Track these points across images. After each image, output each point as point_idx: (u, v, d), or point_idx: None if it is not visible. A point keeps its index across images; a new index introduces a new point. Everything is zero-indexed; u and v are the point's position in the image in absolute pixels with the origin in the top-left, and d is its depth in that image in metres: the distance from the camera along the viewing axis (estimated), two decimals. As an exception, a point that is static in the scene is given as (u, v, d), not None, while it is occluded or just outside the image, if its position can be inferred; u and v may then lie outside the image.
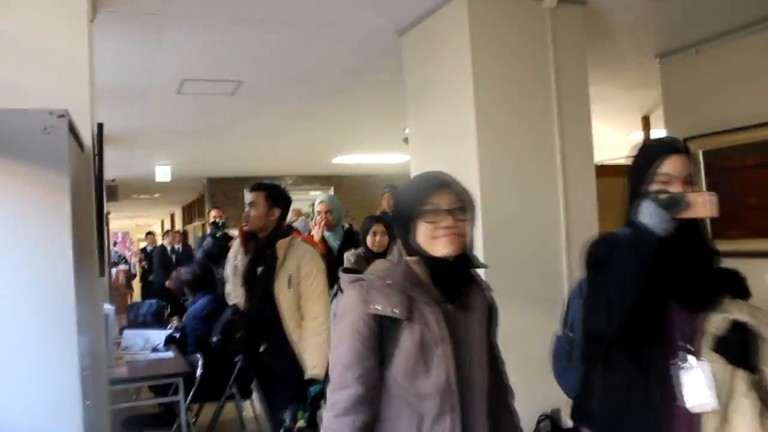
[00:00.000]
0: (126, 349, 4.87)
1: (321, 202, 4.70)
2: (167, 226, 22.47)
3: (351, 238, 4.63)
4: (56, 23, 2.81)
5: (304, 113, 6.93)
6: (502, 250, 3.55)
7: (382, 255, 3.42)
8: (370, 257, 3.95)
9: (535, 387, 3.72)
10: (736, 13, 4.31)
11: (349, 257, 4.10)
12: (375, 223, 4.16)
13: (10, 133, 2.12)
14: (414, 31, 4.13)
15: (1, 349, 2.07)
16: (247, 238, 3.46)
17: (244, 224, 3.43)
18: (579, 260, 3.78)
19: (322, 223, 4.60)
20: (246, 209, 3.40)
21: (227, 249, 4.28)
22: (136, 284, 13.11)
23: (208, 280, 5.17)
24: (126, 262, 12.22)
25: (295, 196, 6.33)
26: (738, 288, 1.80)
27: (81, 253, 2.41)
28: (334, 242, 4.63)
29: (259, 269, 3.33)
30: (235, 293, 3.52)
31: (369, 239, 4.11)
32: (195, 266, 5.29)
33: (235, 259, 3.52)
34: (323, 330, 3.20)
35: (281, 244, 3.31)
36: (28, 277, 2.11)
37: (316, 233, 4.57)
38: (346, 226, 4.82)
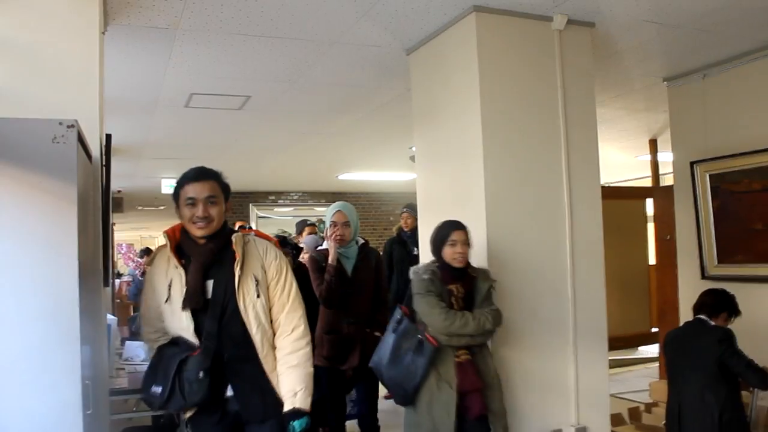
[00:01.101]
0: (127, 360, 4.85)
1: (337, 211, 3.89)
2: (171, 239, 22.45)
3: (368, 257, 3.99)
4: (68, 35, 2.83)
5: (311, 129, 6.96)
6: (507, 270, 3.54)
7: (463, 272, 3.23)
8: (448, 276, 3.21)
9: (539, 407, 3.71)
10: (742, 39, 4.33)
11: (421, 275, 3.19)
12: (456, 230, 3.24)
13: (20, 141, 2.13)
14: (422, 50, 4.16)
15: (4, 357, 2.07)
16: (177, 246, 2.57)
17: (198, 226, 2.50)
18: (584, 280, 3.79)
19: (338, 237, 3.83)
20: (195, 208, 2.50)
21: None
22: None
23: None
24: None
25: (300, 212, 6.39)
26: None
27: (86, 263, 2.41)
28: (348, 261, 3.90)
29: (210, 282, 2.50)
30: (173, 326, 2.52)
31: (448, 251, 3.22)
32: None
33: (166, 279, 2.53)
34: (305, 344, 2.58)
35: (237, 240, 2.55)
36: (33, 285, 2.11)
37: (331, 249, 3.80)
38: (361, 241, 4.02)
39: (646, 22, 3.93)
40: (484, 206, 3.54)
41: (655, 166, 7.34)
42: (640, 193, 7.97)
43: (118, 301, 10.39)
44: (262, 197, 13.25)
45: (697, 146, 4.94)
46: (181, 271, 2.50)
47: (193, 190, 2.51)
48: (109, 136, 3.16)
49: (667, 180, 6.70)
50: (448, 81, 3.90)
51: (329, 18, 3.75)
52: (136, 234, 23.91)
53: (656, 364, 6.28)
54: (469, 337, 3.11)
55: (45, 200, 2.14)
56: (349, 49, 4.27)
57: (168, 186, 10.10)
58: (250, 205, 13.18)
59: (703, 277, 4.84)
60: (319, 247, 4.10)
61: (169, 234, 2.61)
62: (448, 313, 3.09)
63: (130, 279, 12.13)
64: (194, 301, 2.46)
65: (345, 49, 4.28)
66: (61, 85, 2.78)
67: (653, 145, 7.45)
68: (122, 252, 13.56)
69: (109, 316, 3.78)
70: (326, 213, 3.94)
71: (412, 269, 3.31)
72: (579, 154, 3.83)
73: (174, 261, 2.52)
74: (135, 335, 5.98)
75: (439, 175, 4.05)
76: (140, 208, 14.58)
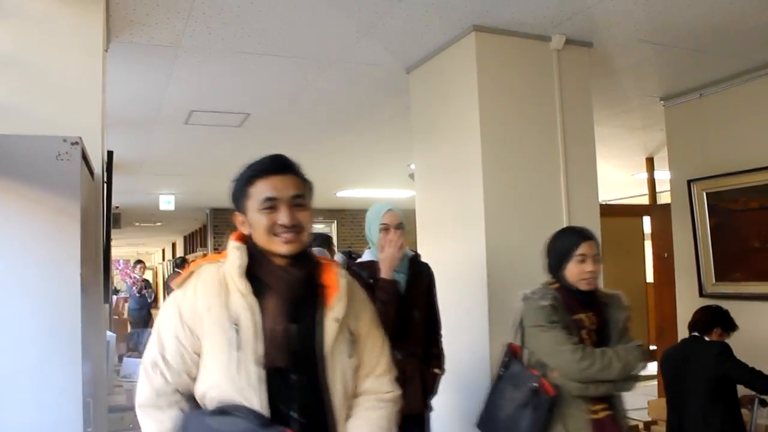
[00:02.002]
0: (125, 376, 4.85)
1: (388, 211, 2.95)
2: (168, 255, 22.48)
3: (420, 273, 3.06)
4: (72, 52, 2.86)
5: (310, 146, 6.98)
6: (506, 287, 3.54)
7: (591, 297, 2.57)
8: (574, 302, 2.55)
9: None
10: (738, 59, 4.37)
11: (538, 301, 2.53)
12: (585, 241, 2.57)
13: (25, 158, 2.14)
14: (422, 69, 4.19)
15: (6, 373, 2.07)
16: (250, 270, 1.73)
17: (286, 239, 1.71)
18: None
19: (399, 244, 2.86)
20: (276, 212, 1.71)
21: None
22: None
23: None
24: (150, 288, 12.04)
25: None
26: None
27: (87, 280, 2.42)
28: (398, 277, 2.90)
29: (293, 327, 1.70)
30: (227, 385, 1.64)
31: (574, 269, 2.54)
32: None
33: (226, 313, 1.68)
34: (394, 396, 1.83)
35: (335, 267, 1.83)
36: (36, 301, 2.12)
37: (387, 261, 2.83)
38: (410, 252, 3.06)
39: (643, 42, 3.97)
40: (483, 224, 3.56)
41: (652, 184, 7.37)
42: (637, 211, 7.99)
43: (116, 317, 10.36)
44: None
45: (694, 164, 4.97)
46: (254, 304, 1.68)
47: (272, 186, 1.72)
48: (110, 153, 3.18)
49: (664, 198, 6.72)
50: (447, 99, 3.93)
51: (330, 37, 3.79)
52: (133, 250, 23.90)
53: (654, 382, 6.26)
54: (610, 384, 2.43)
55: (48, 217, 2.15)
56: (349, 67, 4.30)
57: (165, 202, 10.12)
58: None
59: (701, 295, 4.85)
60: (359, 259, 3.08)
61: (240, 240, 1.79)
62: (585, 351, 2.39)
63: (127, 296, 12.08)
64: (283, 356, 1.66)
65: (345, 68, 4.31)
66: (64, 102, 2.80)
67: (650, 163, 7.48)
68: (119, 268, 13.53)
69: (108, 333, 3.78)
70: (368, 215, 3.02)
71: (522, 294, 2.61)
72: (577, 172, 3.86)
73: (243, 286, 1.69)
74: (133, 352, 5.99)
75: (438, 192, 4.06)
76: (138, 224, 14.59)
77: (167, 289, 11.63)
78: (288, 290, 1.71)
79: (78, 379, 2.13)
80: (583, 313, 2.51)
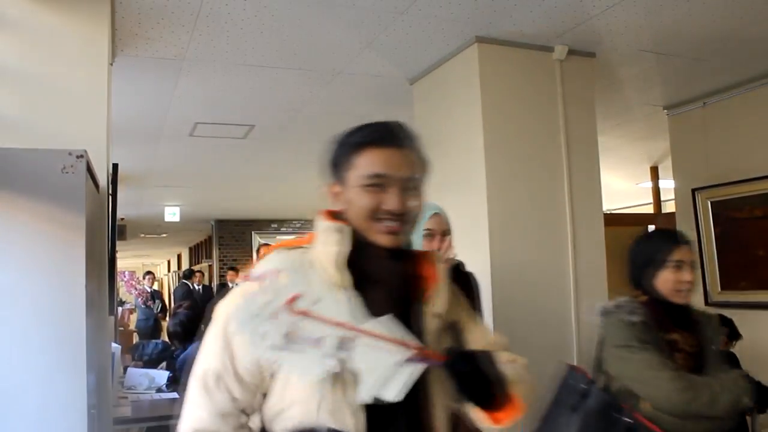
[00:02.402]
0: (130, 388, 4.84)
1: (434, 214, 2.64)
2: (174, 267, 22.51)
3: (466, 283, 2.67)
4: (78, 66, 2.88)
5: (314, 157, 6.91)
6: (511, 299, 3.54)
7: (685, 313, 2.23)
8: (665, 318, 2.19)
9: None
10: (742, 68, 4.37)
11: (625, 317, 2.18)
12: (679, 246, 2.21)
13: (30, 171, 2.16)
14: (425, 80, 4.21)
15: (11, 385, 2.08)
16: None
17: (390, 228, 1.36)
18: (587, 309, 3.78)
19: (448, 252, 2.59)
20: (384, 194, 1.36)
21: None
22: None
23: (195, 329, 5.14)
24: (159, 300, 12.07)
25: (303, 239, 6.42)
26: None
27: (92, 292, 2.43)
28: None
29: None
30: (330, 406, 1.28)
31: (669, 277, 2.19)
32: (181, 317, 5.24)
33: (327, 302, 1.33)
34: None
35: (433, 255, 1.54)
36: (41, 313, 2.13)
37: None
38: (457, 259, 2.71)
39: (646, 52, 3.98)
40: (488, 235, 3.56)
41: (656, 193, 7.37)
42: (642, 220, 7.98)
43: (121, 329, 10.36)
44: (264, 225, 13.29)
45: (698, 173, 4.97)
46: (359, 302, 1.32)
47: (385, 160, 1.37)
48: (116, 166, 3.19)
49: (668, 207, 6.72)
50: (450, 110, 3.94)
51: (333, 49, 3.81)
52: (139, 261, 23.94)
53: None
54: (711, 422, 2.03)
55: (53, 229, 2.16)
56: (353, 79, 4.32)
57: (171, 214, 10.15)
58: (252, 233, 13.22)
59: (707, 303, 4.84)
60: None
61: (332, 218, 1.43)
62: (687, 380, 2.01)
63: (133, 307, 12.11)
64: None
65: (348, 79, 4.33)
66: (70, 116, 2.82)
67: (654, 172, 7.47)
68: (125, 280, 13.56)
69: (113, 344, 3.78)
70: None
71: (600, 307, 2.28)
72: (581, 182, 3.86)
73: (343, 280, 1.34)
74: (148, 363, 5.98)
75: (441, 203, 4.05)
76: (143, 235, 14.63)
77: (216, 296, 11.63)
78: (391, 284, 1.38)
79: (82, 390, 2.14)
80: (678, 333, 2.14)
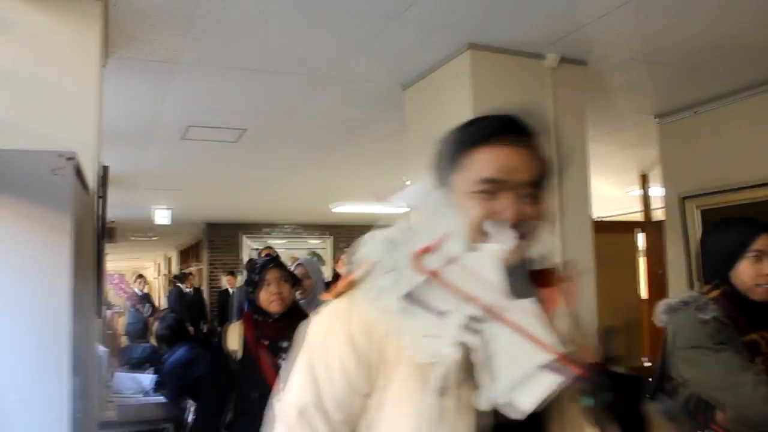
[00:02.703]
0: (117, 392, 4.82)
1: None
2: (163, 270, 22.42)
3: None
4: (69, 68, 2.87)
5: (306, 162, 7.00)
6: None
7: (765, 308, 1.96)
8: (742, 317, 1.95)
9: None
10: (732, 77, 4.40)
11: (697, 314, 1.93)
12: (763, 234, 1.99)
13: (18, 173, 2.14)
14: (418, 86, 4.21)
15: (-4, 389, 2.06)
16: None
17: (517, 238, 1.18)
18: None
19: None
20: (497, 201, 1.18)
21: None
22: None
23: (183, 332, 5.14)
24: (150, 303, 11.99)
25: (293, 244, 6.40)
26: None
27: (79, 295, 2.41)
28: None
29: None
30: None
31: (749, 270, 1.98)
32: (169, 320, 5.24)
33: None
34: None
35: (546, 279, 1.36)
36: (26, 316, 2.11)
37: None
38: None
39: (637, 60, 4.00)
40: (478, 240, 3.55)
41: (646, 200, 7.40)
42: (631, 228, 8.01)
43: (110, 332, 10.31)
44: (255, 229, 13.25)
45: (687, 182, 4.99)
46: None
47: (502, 161, 1.19)
48: (106, 168, 3.18)
49: (658, 214, 6.74)
50: (442, 116, 3.95)
51: (326, 54, 3.81)
52: (128, 264, 23.81)
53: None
54: None
55: (41, 231, 2.14)
56: (345, 83, 4.32)
57: (162, 216, 10.11)
58: (243, 236, 13.17)
59: (695, 312, 4.85)
60: None
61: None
62: None
63: (122, 310, 12.05)
64: None
65: (341, 84, 4.33)
66: (60, 118, 2.80)
67: (644, 179, 7.51)
68: (113, 282, 13.49)
69: (100, 348, 3.76)
70: None
71: (668, 304, 2.03)
72: (571, 189, 3.87)
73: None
74: (135, 366, 5.96)
75: (432, 208, 4.06)
76: (133, 238, 14.56)
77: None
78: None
79: (67, 394, 2.12)
80: (756, 333, 1.89)
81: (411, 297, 1.04)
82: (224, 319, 9.71)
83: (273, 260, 2.99)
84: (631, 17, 3.39)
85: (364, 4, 3.18)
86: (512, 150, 1.17)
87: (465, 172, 1.18)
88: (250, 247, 13.12)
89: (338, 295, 1.16)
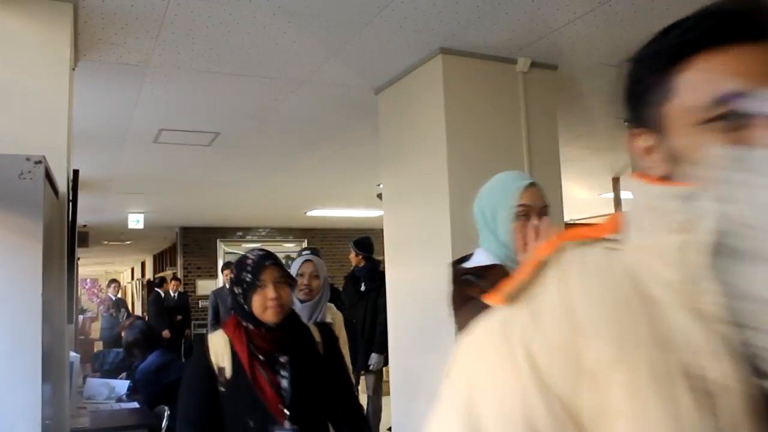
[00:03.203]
0: (89, 398, 4.76)
1: (529, 186, 2.07)
2: (137, 274, 22.21)
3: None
4: (38, 70, 2.84)
5: (280, 166, 6.99)
6: (473, 306, 3.57)
7: None
8: None
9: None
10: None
11: None
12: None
13: (-14, 177, 2.12)
14: (390, 90, 4.23)
15: (-37, 396, 2.04)
16: None
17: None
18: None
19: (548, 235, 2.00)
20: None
21: None
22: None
23: (153, 339, 5.09)
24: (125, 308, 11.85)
25: (268, 248, 6.38)
26: None
27: (50, 300, 2.39)
28: None
29: None
30: None
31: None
32: (138, 327, 5.18)
33: (672, 358, 0.63)
34: None
35: None
36: (-5, 322, 2.09)
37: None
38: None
39: (606, 65, 4.06)
40: (450, 243, 3.58)
41: (618, 203, 7.49)
42: (604, 231, 8.09)
43: (82, 337, 10.21)
44: (230, 233, 13.20)
45: (657, 185, 5.06)
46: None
47: (740, 68, 0.67)
48: (76, 172, 3.16)
49: (630, 218, 6.83)
50: (415, 120, 3.97)
51: (299, 57, 3.81)
52: (102, 269, 23.56)
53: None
54: None
55: (9, 236, 2.13)
56: (318, 88, 4.33)
57: (134, 221, 10.03)
58: (218, 241, 13.11)
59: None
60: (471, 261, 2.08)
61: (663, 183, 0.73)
62: None
63: (95, 315, 11.92)
64: None
65: (314, 88, 4.34)
66: (29, 121, 2.77)
67: (616, 183, 7.61)
68: (87, 287, 13.35)
69: (72, 353, 3.72)
70: (488, 195, 2.17)
71: None
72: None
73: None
74: (99, 373, 5.90)
75: (405, 213, 4.09)
76: (106, 243, 14.42)
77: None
78: None
79: (37, 400, 2.10)
80: None
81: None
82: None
83: (269, 256, 2.28)
84: (599, 23, 3.44)
85: (336, 8, 3.19)
86: (757, 48, 0.69)
87: (684, 94, 0.71)
88: (224, 251, 13.05)
89: (513, 294, 0.74)
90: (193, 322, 11.62)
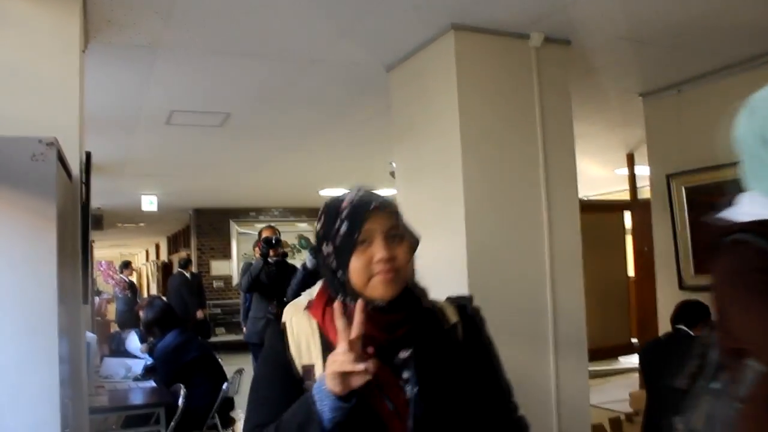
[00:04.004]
0: (107, 377, 4.82)
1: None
2: (152, 256, 22.37)
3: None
4: (48, 52, 2.84)
5: (292, 146, 6.98)
6: (486, 285, 3.56)
7: None
8: None
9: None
10: (715, 55, 4.41)
11: None
12: None
13: (-1, 159, 2.13)
14: (402, 67, 4.20)
15: (-19, 376, 2.06)
16: None
17: None
18: (563, 293, 3.80)
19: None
20: None
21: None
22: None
23: (173, 318, 5.10)
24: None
25: (281, 228, 6.36)
26: None
27: (65, 281, 2.41)
28: None
29: None
30: None
31: None
32: (157, 307, 5.19)
33: None
34: None
35: None
36: (11, 303, 2.11)
37: None
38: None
39: (621, 39, 4.00)
40: (464, 221, 3.57)
41: (632, 179, 7.43)
42: (618, 207, 8.07)
43: (98, 318, 10.30)
44: (243, 214, 13.24)
45: (673, 160, 5.02)
46: None
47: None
48: (89, 154, 3.16)
49: (644, 193, 6.79)
50: (427, 98, 3.94)
51: (310, 37, 3.78)
52: (116, 251, 23.74)
53: (636, 375, 6.33)
54: None
55: (24, 218, 2.13)
56: (330, 66, 4.30)
57: (148, 203, 10.07)
58: (231, 221, 13.15)
59: (681, 287, 4.90)
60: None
61: None
62: None
63: (111, 297, 12.03)
64: None
65: (325, 67, 4.31)
66: (40, 103, 2.77)
67: (631, 159, 7.54)
68: (102, 269, 13.46)
69: (89, 334, 3.75)
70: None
71: None
72: (557, 169, 3.88)
73: None
74: (116, 353, 5.97)
75: (418, 190, 4.08)
76: (120, 225, 14.50)
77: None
78: None
79: (55, 380, 2.12)
80: None
81: None
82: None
83: (375, 197, 1.48)
84: (614, -5, 3.39)
85: (347, -15, 3.16)
86: None
87: None
88: (237, 232, 13.10)
89: None
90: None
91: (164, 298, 5.48)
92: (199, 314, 10.25)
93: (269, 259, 5.61)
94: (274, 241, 5.66)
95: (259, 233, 5.93)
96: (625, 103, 5.51)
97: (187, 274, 10.81)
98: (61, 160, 2.35)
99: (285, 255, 5.86)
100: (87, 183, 3.05)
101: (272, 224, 6.17)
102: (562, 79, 4.00)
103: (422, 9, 3.46)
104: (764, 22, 3.82)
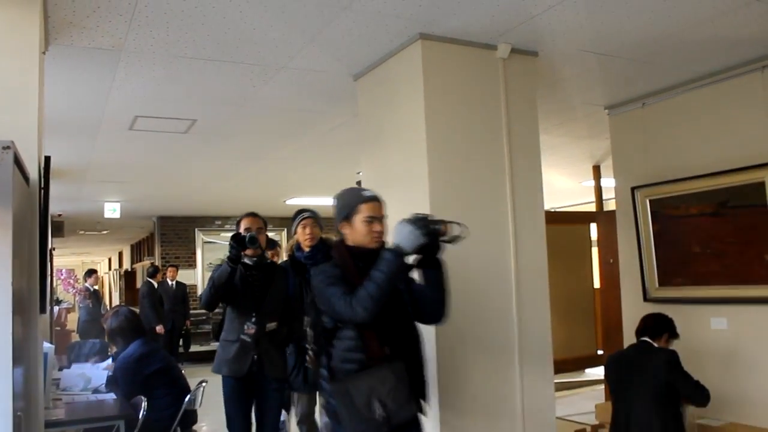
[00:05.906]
0: (65, 389, 4.69)
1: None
2: (114, 264, 22.01)
3: None
4: (6, 54, 2.76)
5: (258, 153, 6.92)
6: (453, 294, 3.54)
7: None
8: None
9: (485, 431, 3.71)
10: (678, 70, 4.48)
11: None
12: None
13: (-49, 163, 2.05)
14: (369, 76, 4.18)
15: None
16: None
17: None
18: (529, 304, 3.80)
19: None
20: None
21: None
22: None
23: (137, 327, 4.96)
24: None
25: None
26: None
27: (20, 290, 2.33)
28: None
29: None
30: None
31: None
32: (122, 315, 5.05)
33: None
34: None
35: None
36: (-38, 312, 2.03)
37: None
38: None
39: (587, 52, 4.04)
40: (431, 231, 3.55)
41: (598, 191, 7.51)
42: (584, 218, 8.12)
43: (58, 328, 10.09)
44: (208, 222, 13.09)
45: (637, 172, 5.08)
46: None
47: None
48: (48, 158, 3.08)
49: (610, 205, 6.86)
50: (394, 107, 3.93)
51: (277, 43, 3.75)
52: (78, 259, 23.33)
53: (602, 386, 6.38)
54: None
55: (-23, 224, 2.06)
56: (297, 74, 4.27)
57: (111, 210, 9.90)
58: (196, 229, 12.99)
59: (645, 299, 4.95)
60: None
61: None
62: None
63: (71, 306, 11.78)
64: None
65: (292, 74, 4.27)
66: (-3, 105, 2.69)
67: (597, 171, 7.62)
68: (62, 278, 13.20)
69: (46, 344, 3.65)
70: None
71: None
72: (523, 180, 3.89)
73: None
74: (75, 364, 5.81)
75: (384, 199, 4.04)
76: (82, 232, 14.25)
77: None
78: None
79: (8, 392, 2.04)
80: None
81: None
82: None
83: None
84: (579, 9, 3.42)
85: (315, -8, 3.13)
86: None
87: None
88: (203, 240, 12.94)
89: None
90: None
91: (131, 308, 5.31)
92: (159, 329, 9.86)
93: (246, 260, 3.99)
94: (248, 239, 3.85)
95: (238, 222, 4.16)
96: (591, 115, 5.57)
97: (155, 283, 10.56)
98: (18, 164, 2.27)
99: (264, 252, 4.18)
100: (46, 188, 2.96)
101: (255, 212, 4.21)
102: (529, 90, 4.02)
103: (390, 18, 3.45)
104: (726, 38, 3.89)
